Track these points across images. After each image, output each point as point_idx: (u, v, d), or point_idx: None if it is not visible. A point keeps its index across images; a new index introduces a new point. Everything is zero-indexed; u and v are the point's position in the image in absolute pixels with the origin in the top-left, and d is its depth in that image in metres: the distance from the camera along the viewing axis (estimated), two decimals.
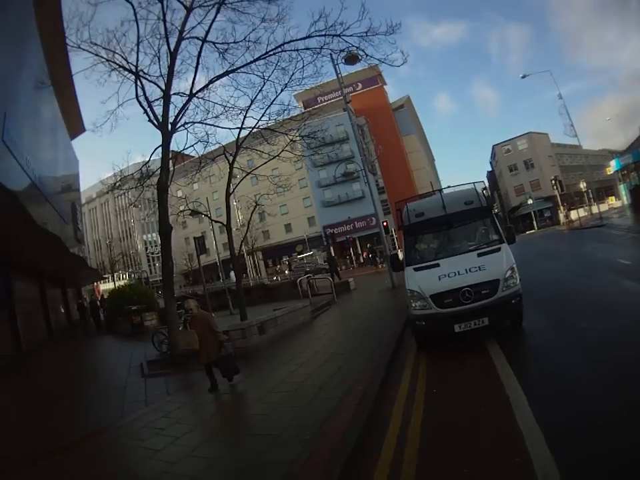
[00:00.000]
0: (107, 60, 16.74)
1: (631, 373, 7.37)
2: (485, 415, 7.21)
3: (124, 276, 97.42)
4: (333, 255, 53.01)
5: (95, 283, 62.30)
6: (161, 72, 17.41)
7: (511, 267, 11.32)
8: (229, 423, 8.81)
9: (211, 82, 18.47)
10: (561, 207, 67.83)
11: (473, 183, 13.78)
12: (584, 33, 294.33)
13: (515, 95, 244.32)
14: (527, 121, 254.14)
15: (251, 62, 17.94)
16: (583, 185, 61.72)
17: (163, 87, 17.22)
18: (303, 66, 18.26)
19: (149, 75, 17.32)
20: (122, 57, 16.78)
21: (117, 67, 16.86)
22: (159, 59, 17.39)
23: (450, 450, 6.27)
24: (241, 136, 20.95)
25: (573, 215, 61.10)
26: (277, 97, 19.85)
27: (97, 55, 16.60)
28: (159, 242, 19.00)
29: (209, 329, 11.35)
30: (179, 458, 7.29)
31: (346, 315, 22.25)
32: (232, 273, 39.61)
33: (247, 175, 23.08)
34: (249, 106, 19.86)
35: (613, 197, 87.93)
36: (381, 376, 9.88)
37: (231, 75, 18.51)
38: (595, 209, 61.66)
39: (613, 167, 55.69)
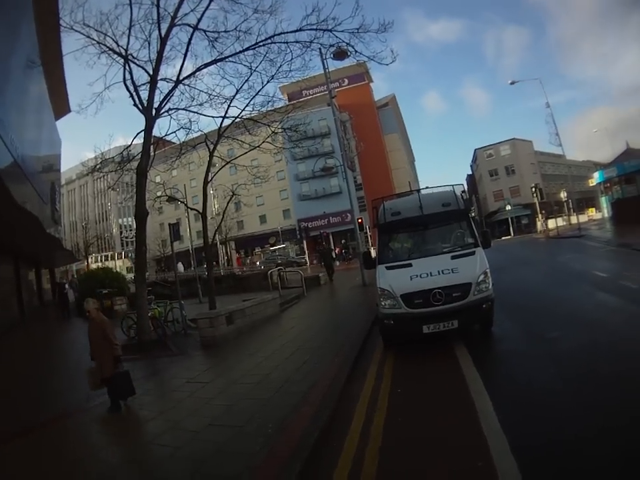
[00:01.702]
0: (98, 42, 16.74)
1: (601, 384, 7.49)
2: (449, 417, 7.24)
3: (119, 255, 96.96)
4: (332, 247, 53.08)
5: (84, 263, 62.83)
6: (149, 57, 17.40)
7: (484, 272, 11.34)
8: (193, 412, 8.73)
9: (198, 69, 18.45)
10: (540, 215, 67.92)
11: (452, 185, 13.72)
12: (582, 41, 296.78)
13: (505, 98, 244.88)
14: (513, 126, 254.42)
15: (240, 52, 17.93)
16: (563, 195, 61.94)
17: (151, 72, 17.21)
18: (292, 59, 18.31)
19: (138, 59, 17.31)
20: (113, 39, 16.82)
21: (107, 49, 16.87)
22: (149, 43, 17.36)
23: (413, 451, 6.33)
24: (223, 125, 21.02)
25: (551, 223, 60.97)
26: (262, 87, 19.94)
27: (88, 36, 16.64)
28: (134, 226, 18.88)
29: (104, 337, 10.00)
30: (142, 445, 7.38)
31: (315, 309, 22.25)
32: (179, 264, 39.49)
33: (226, 164, 23.27)
34: (234, 95, 19.96)
35: (593, 209, 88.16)
36: (346, 372, 9.97)
37: (218, 64, 18.46)
38: (574, 219, 62.22)
39: (595, 178, 55.78)
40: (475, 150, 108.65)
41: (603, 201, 58.09)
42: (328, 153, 65.08)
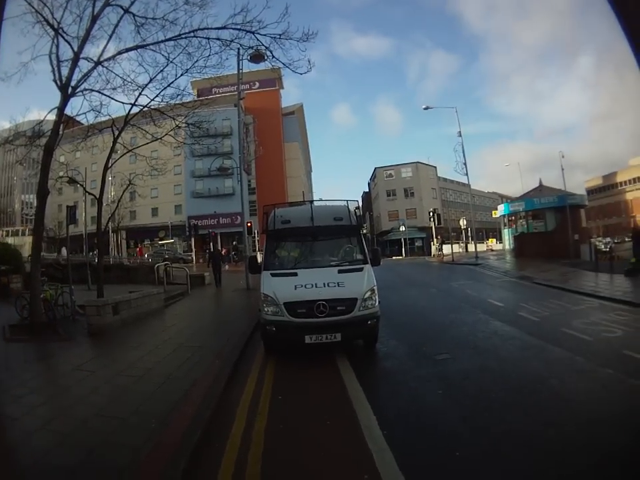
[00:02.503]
0: (37, 11, 16.40)
1: (487, 406, 7.83)
2: (332, 429, 7.32)
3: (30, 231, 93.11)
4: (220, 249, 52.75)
5: None
6: (78, 34, 17.12)
7: (371, 288, 11.51)
8: (80, 400, 8.56)
9: (119, 53, 18.16)
10: (435, 240, 69.08)
11: (346, 200, 14.04)
12: (515, 77, 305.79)
13: (418, 121, 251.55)
14: (423, 149, 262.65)
15: (163, 41, 17.74)
16: (462, 222, 63.22)
17: (76, 49, 16.95)
18: (209, 55, 18.19)
19: (67, 34, 17.01)
20: (50, 10, 16.56)
21: (43, 20, 16.55)
22: (80, 19, 17.10)
23: (296, 458, 6.39)
24: (131, 112, 20.63)
25: (447, 249, 61.83)
26: (175, 79, 19.67)
27: (30, 4, 16.30)
28: (35, 204, 18.43)
29: None
30: (34, 429, 7.15)
31: (198, 308, 22.32)
32: (63, 249, 38.62)
33: (127, 152, 22.74)
34: (147, 84, 19.59)
35: (494, 240, 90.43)
36: (227, 375, 9.99)
37: (139, 50, 18.21)
38: (471, 247, 63.62)
39: (500, 210, 57.22)
40: (375, 168, 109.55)
41: (506, 233, 60.17)
42: (227, 153, 65.22)
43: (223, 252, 58.42)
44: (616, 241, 68.26)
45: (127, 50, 18.04)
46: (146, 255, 63.48)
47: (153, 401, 8.34)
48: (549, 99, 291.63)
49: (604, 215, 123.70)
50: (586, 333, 12.75)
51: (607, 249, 36.32)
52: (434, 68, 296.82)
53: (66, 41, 16.98)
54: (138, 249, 59.77)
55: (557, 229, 44.51)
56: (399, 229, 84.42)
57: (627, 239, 62.54)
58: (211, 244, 49.87)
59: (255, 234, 52.15)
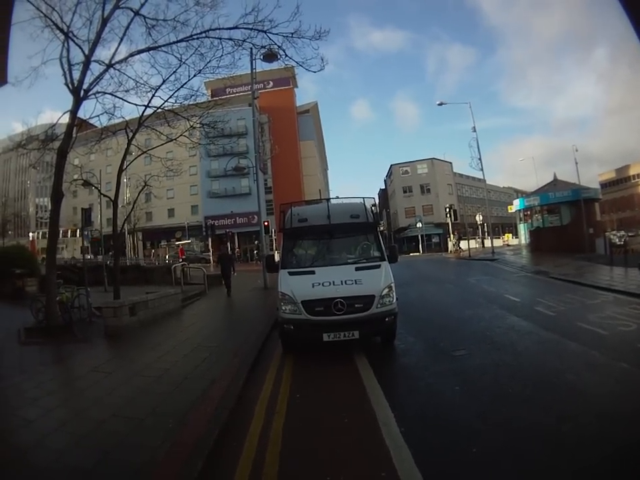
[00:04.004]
0: (45, 15, 16.41)
1: (505, 403, 7.76)
2: (350, 427, 7.27)
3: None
4: (232, 252, 52.33)
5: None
6: (88, 37, 17.18)
7: (388, 285, 11.50)
8: (96, 402, 8.57)
9: (131, 55, 18.19)
10: (451, 235, 68.73)
11: (363, 197, 13.93)
12: (531, 69, 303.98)
13: (436, 116, 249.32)
14: (439, 144, 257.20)
15: (175, 42, 17.76)
16: (479, 218, 62.76)
17: (87, 52, 16.99)
18: (222, 55, 18.23)
19: (77, 38, 17.06)
20: (59, 14, 16.58)
21: (52, 24, 16.57)
22: (90, 23, 17.16)
23: (314, 457, 6.37)
24: (145, 114, 20.76)
25: (464, 244, 61.66)
26: (188, 80, 19.71)
27: (38, 8, 16.27)
28: (49, 207, 18.52)
29: None
30: (50, 431, 7.17)
31: (215, 308, 22.28)
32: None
33: (142, 154, 22.92)
34: (160, 85, 19.63)
35: (510, 235, 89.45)
36: (244, 374, 9.99)
37: (151, 52, 18.21)
38: (488, 243, 63.23)
39: (516, 205, 56.44)
40: (391, 165, 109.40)
41: (521, 228, 59.95)
42: (242, 153, 65.17)
43: (237, 250, 57.38)
44: (630, 234, 67.66)
45: (139, 52, 18.06)
46: (167, 256, 63.62)
47: (170, 401, 8.34)
48: (563, 92, 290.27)
49: (617, 209, 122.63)
50: (601, 327, 12.66)
51: (621, 243, 35.98)
52: (452, 61, 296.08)
53: (76, 44, 17.02)
54: (179, 249, 59.60)
55: (571, 223, 44.22)
56: (415, 225, 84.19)
57: None
58: (228, 244, 49.58)
59: (272, 233, 52.01)
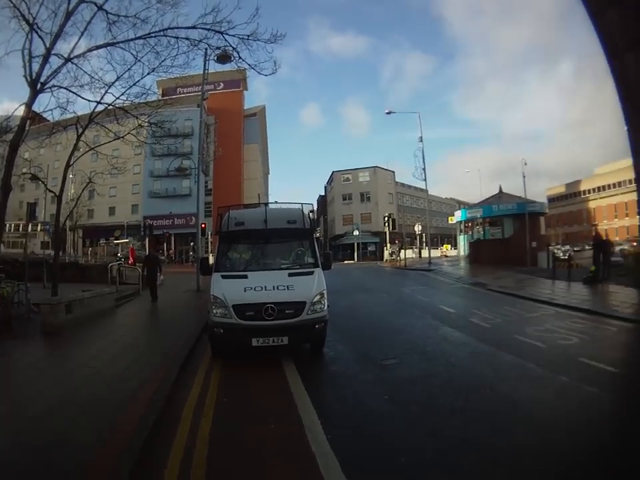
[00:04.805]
0: (14, 6, 16.47)
1: (435, 412, 7.94)
2: (277, 433, 7.34)
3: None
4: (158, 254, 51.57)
5: None
6: (51, 30, 17.20)
7: (320, 292, 11.66)
8: (32, 399, 8.61)
9: (90, 50, 18.20)
10: (388, 245, 69.21)
11: (301, 203, 14.21)
12: (491, 81, 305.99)
13: (385, 124, 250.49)
14: (385, 152, 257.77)
15: (133, 39, 17.84)
16: (417, 228, 63.14)
17: (48, 45, 17.02)
18: (177, 54, 18.27)
19: (41, 30, 17.09)
20: (27, 5, 16.65)
21: (19, 14, 16.61)
22: (55, 15, 17.17)
23: (241, 462, 6.44)
24: (96, 110, 20.61)
25: (401, 254, 61.82)
26: (142, 78, 19.66)
27: None
28: None
29: None
30: None
31: (148, 309, 22.18)
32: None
33: (89, 150, 22.99)
34: (114, 82, 19.52)
35: (448, 246, 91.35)
36: (174, 376, 10.00)
37: (109, 48, 18.22)
38: (425, 253, 63.55)
39: (457, 216, 57.33)
40: (333, 172, 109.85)
41: (461, 239, 60.89)
42: (186, 154, 64.72)
43: (169, 252, 55.47)
44: (576, 249, 68.93)
45: (97, 47, 18.06)
46: (104, 254, 62.93)
47: (101, 401, 8.38)
48: (520, 106, 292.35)
49: (565, 223, 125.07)
50: (540, 340, 12.92)
51: (566, 257, 36.72)
52: (409, 69, 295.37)
53: (39, 36, 17.03)
54: (130, 249, 58.58)
55: (514, 236, 45.08)
56: (352, 233, 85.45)
57: (587, 247, 63.30)
58: (164, 244, 48.78)
59: (208, 235, 51.88)
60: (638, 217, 33.82)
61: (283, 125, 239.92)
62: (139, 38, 17.77)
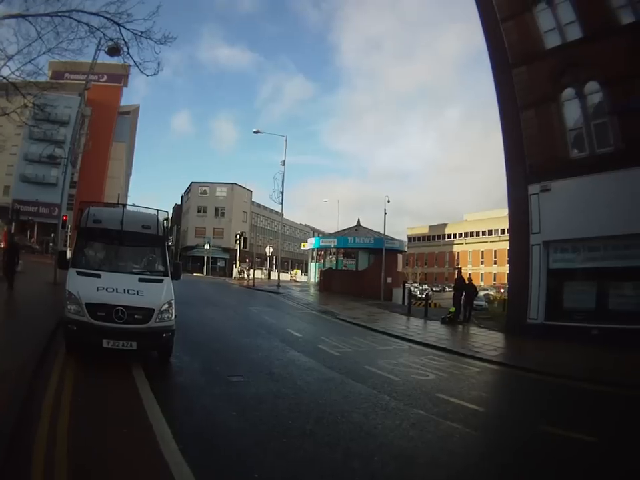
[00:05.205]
0: None
1: (284, 432, 8.06)
2: (128, 438, 7.33)
3: None
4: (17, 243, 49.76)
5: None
6: None
7: (168, 302, 11.90)
8: None
9: (3, 17, 17.66)
10: (238, 262, 69.69)
11: (157, 210, 14.54)
12: (369, 114, 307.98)
13: (252, 142, 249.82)
14: (247, 170, 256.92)
15: (42, 14, 17.36)
16: (269, 250, 64.62)
17: None
18: (74, 38, 17.90)
19: None
20: None
21: None
22: None
23: (97, 461, 6.39)
24: None
25: (250, 273, 61.60)
26: (39, 55, 18.78)
27: None
28: None
29: None
30: None
31: (4, 298, 21.06)
32: None
33: None
34: (14, 55, 18.67)
35: (299, 271, 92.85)
36: (31, 369, 9.76)
37: (19, 19, 17.59)
38: (274, 275, 63.19)
39: (310, 244, 58.52)
40: (192, 183, 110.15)
41: (313, 266, 61.25)
42: (60, 142, 63.79)
43: (32, 240, 53.08)
44: (435, 289, 71.42)
45: (10, 16, 17.51)
46: None
47: None
48: (396, 143, 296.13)
49: (425, 263, 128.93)
50: (393, 373, 13.23)
51: (423, 296, 38.45)
52: (288, 92, 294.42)
53: None
54: (3, 233, 55.71)
55: (369, 269, 46.14)
56: (203, 246, 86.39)
57: (447, 289, 66.23)
58: (28, 232, 47.27)
59: (68, 228, 51.27)
60: (508, 265, 35.58)
61: (153, 128, 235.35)
62: (48, 14, 17.29)
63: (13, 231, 47.54)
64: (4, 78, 19.37)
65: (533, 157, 22.34)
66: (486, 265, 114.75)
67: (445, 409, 10.10)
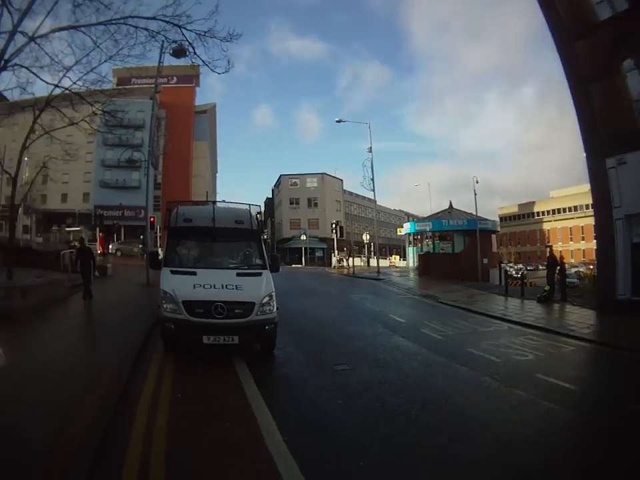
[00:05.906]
0: None
1: (390, 419, 7.96)
2: (232, 432, 7.30)
3: None
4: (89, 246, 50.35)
5: None
6: (20, 6, 16.78)
7: (269, 294, 11.74)
8: None
9: (53, 31, 17.87)
10: (336, 251, 68.81)
11: (249, 204, 14.46)
12: (449, 98, 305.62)
13: (336, 131, 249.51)
14: (334, 159, 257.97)
15: (95, 24, 17.45)
16: (365, 237, 62.86)
17: (15, 21, 16.67)
18: (134, 44, 18.00)
19: (11, 6, 16.60)
20: None
21: None
22: None
23: (198, 464, 6.22)
24: (53, 93, 20.50)
25: (349, 261, 60.57)
26: (99, 65, 19.34)
27: None
28: None
29: None
30: None
31: (99, 298, 21.28)
32: None
33: (45, 134, 22.88)
34: (72, 66, 19.20)
35: (397, 256, 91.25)
36: (128, 370, 9.92)
37: (71, 31, 17.89)
38: (373, 262, 63.09)
39: (406, 228, 57.45)
40: (281, 175, 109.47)
41: (410, 251, 60.09)
42: (137, 146, 64.16)
43: (108, 247, 53.55)
44: (530, 268, 69.72)
45: (61, 29, 17.78)
46: (56, 241, 61.78)
47: (58, 391, 8.17)
48: (478, 124, 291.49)
49: (517, 242, 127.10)
50: (494, 354, 12.90)
51: (518, 275, 37.03)
52: (366, 79, 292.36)
53: (9, 12, 16.60)
54: (100, 237, 56.57)
55: (464, 251, 45.14)
56: (300, 237, 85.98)
57: (540, 267, 64.89)
58: (114, 235, 47.94)
59: (157, 229, 51.65)
60: (595, 241, 34.17)
61: (234, 124, 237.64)
62: (101, 23, 17.45)
63: (97, 235, 48.22)
64: (66, 89, 19.23)
65: (605, 130, 21.42)
66: (575, 242, 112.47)
67: (543, 389, 9.90)
